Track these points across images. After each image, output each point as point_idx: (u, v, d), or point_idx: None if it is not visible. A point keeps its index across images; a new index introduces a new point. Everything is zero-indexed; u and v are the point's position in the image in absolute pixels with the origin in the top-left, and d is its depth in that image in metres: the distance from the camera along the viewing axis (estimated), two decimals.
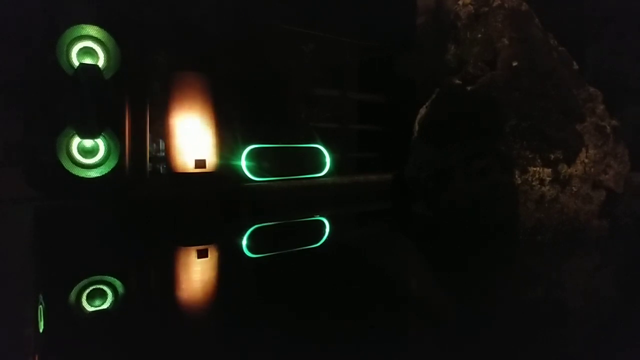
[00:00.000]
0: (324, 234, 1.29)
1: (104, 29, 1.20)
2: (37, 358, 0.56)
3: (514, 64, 1.18)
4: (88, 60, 1.18)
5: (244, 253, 1.07)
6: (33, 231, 1.18)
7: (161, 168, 1.63)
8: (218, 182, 1.48)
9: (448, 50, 1.36)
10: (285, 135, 1.84)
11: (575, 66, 1.27)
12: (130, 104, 1.25)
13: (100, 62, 1.20)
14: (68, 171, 1.15)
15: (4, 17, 1.24)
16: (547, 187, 1.10)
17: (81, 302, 0.72)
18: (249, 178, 1.60)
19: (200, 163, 1.42)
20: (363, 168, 2.32)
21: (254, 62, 1.84)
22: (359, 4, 2.13)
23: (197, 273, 0.89)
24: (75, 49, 1.17)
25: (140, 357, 0.54)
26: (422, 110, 1.48)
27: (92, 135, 1.17)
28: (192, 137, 1.41)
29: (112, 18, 1.22)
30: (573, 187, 1.12)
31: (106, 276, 0.88)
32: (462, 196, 1.21)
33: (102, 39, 1.20)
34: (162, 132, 1.48)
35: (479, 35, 1.26)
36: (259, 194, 1.57)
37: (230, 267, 0.97)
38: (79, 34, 1.17)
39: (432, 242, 1.20)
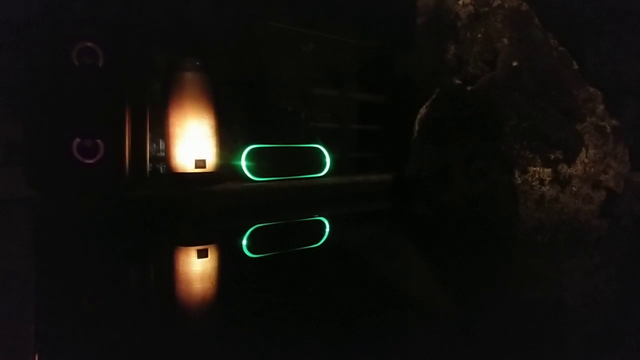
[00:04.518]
0: (324, 234, 1.29)
1: (104, 29, 1.20)
2: (37, 358, 0.56)
3: (514, 64, 1.18)
4: (88, 60, 1.18)
5: (244, 253, 1.07)
6: (33, 231, 1.18)
7: (161, 168, 1.63)
8: (218, 182, 1.49)
9: (448, 50, 1.36)
10: (285, 135, 1.84)
11: (575, 66, 1.27)
12: (130, 104, 1.25)
13: (100, 62, 1.20)
14: (68, 171, 1.15)
15: (4, 17, 1.24)
16: (547, 187, 1.10)
17: (81, 302, 0.72)
18: (249, 178, 1.60)
19: (200, 163, 1.42)
20: (363, 168, 2.32)
21: (254, 62, 1.84)
22: (359, 4, 2.13)
23: (197, 273, 0.89)
24: (75, 49, 1.17)
25: (140, 357, 0.54)
26: (422, 110, 1.48)
27: (92, 135, 1.17)
28: (192, 137, 1.41)
29: (112, 18, 1.22)
30: (573, 187, 1.12)
31: (106, 276, 0.88)
32: (462, 196, 1.21)
33: (102, 39, 1.20)
34: (162, 132, 1.48)
35: (479, 35, 1.27)
36: (259, 194, 1.57)
37: (230, 267, 0.97)
38: (79, 34, 1.17)
39: (432, 242, 1.20)
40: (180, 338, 0.58)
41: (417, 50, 2.23)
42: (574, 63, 1.27)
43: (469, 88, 1.24)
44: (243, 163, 1.60)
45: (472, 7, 1.32)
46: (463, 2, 1.35)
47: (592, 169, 1.14)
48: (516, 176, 1.11)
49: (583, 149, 1.14)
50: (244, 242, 1.17)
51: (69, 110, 1.15)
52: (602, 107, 1.22)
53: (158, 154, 1.62)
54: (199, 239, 1.20)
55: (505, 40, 1.21)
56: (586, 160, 1.14)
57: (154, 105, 1.43)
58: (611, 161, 1.18)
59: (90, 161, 1.18)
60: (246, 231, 1.28)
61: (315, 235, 1.26)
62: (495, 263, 0.99)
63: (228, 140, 1.61)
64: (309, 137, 1.89)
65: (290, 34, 2.00)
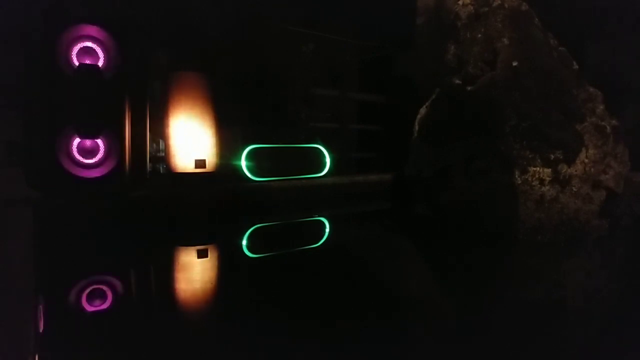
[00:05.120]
0: (324, 234, 1.29)
1: (104, 29, 1.20)
2: (37, 358, 0.56)
3: (514, 64, 1.18)
4: (88, 60, 1.18)
5: (244, 253, 1.07)
6: (33, 231, 1.18)
7: (161, 168, 1.63)
8: (218, 182, 1.48)
9: (448, 50, 1.36)
10: (285, 135, 1.84)
11: (575, 66, 1.27)
12: (130, 104, 1.25)
13: (100, 62, 1.20)
14: (68, 171, 1.15)
15: (3, 17, 1.24)
16: (547, 187, 1.10)
17: (81, 302, 0.72)
18: (249, 178, 1.60)
19: (200, 163, 1.42)
20: (363, 168, 2.32)
21: (254, 62, 1.84)
22: (359, 4, 2.13)
23: (197, 273, 0.89)
24: (75, 49, 1.17)
25: (141, 357, 0.54)
26: (422, 110, 1.48)
27: (92, 135, 1.17)
28: (192, 137, 1.41)
29: (112, 18, 1.22)
30: (573, 187, 1.12)
31: (106, 276, 0.88)
32: (462, 196, 1.21)
33: (102, 39, 1.20)
34: (162, 132, 1.47)
35: (479, 35, 1.27)
36: (259, 194, 1.57)
37: (230, 267, 0.97)
38: (79, 34, 1.17)
39: (432, 242, 1.20)
40: (180, 338, 0.58)
41: (417, 50, 2.22)
42: (574, 63, 1.27)
43: (469, 88, 1.24)
44: (243, 163, 1.60)
45: (472, 7, 1.32)
46: (463, 2, 1.35)
47: (592, 169, 1.14)
48: (516, 176, 1.11)
49: (583, 149, 1.14)
50: (244, 242, 1.17)
51: (69, 110, 1.15)
52: (602, 107, 1.22)
53: (158, 154, 1.62)
54: (198, 239, 1.20)
55: (505, 40, 1.21)
56: (586, 160, 1.14)
57: (154, 105, 1.42)
58: (611, 161, 1.18)
59: (90, 161, 1.18)
60: (246, 231, 1.28)
61: (315, 236, 1.26)
62: (495, 263, 0.99)
63: (228, 140, 1.61)
64: (309, 137, 1.89)
65: (290, 34, 2.00)
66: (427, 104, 1.46)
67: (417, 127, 1.48)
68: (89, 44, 1.18)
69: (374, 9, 2.15)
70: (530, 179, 1.10)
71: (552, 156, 1.11)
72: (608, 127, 1.19)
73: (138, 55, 1.27)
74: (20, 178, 1.14)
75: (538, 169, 1.10)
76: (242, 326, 0.62)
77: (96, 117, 1.17)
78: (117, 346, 0.57)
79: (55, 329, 0.64)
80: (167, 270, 0.95)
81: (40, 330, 0.62)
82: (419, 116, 1.49)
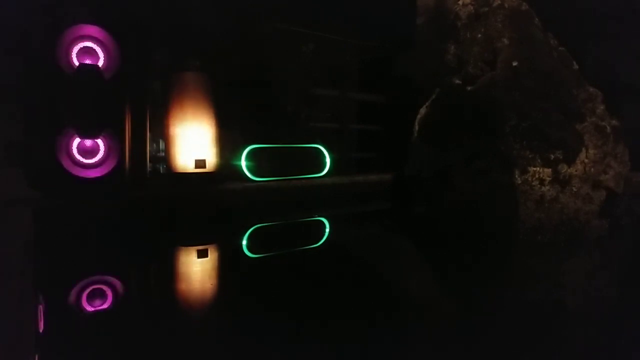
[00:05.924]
0: (324, 234, 1.29)
1: (104, 29, 1.20)
2: (37, 358, 0.56)
3: (514, 64, 1.18)
4: (88, 60, 1.18)
5: (244, 253, 1.07)
6: (33, 231, 1.18)
7: (161, 168, 1.63)
8: (218, 182, 1.48)
9: (448, 50, 1.36)
10: (285, 135, 1.84)
11: (575, 66, 1.27)
12: (130, 104, 1.25)
13: (100, 62, 1.20)
14: (68, 171, 1.15)
15: (3, 17, 1.24)
16: (547, 187, 1.10)
17: (81, 302, 0.72)
18: (249, 178, 1.60)
19: (200, 163, 1.42)
20: (363, 168, 2.31)
21: (254, 62, 1.84)
22: (359, 4, 2.13)
23: (197, 273, 0.89)
24: (75, 49, 1.17)
25: (141, 357, 0.54)
26: (422, 110, 1.48)
27: (92, 135, 1.17)
28: (192, 137, 1.41)
29: (112, 18, 1.22)
30: (573, 187, 1.12)
31: (106, 276, 0.88)
32: (462, 196, 1.21)
33: (102, 39, 1.20)
34: (162, 132, 1.47)
35: (479, 35, 1.27)
36: (258, 194, 1.57)
37: (230, 267, 0.97)
38: (79, 34, 1.17)
39: (432, 242, 1.20)
40: (180, 338, 0.58)
41: (417, 50, 2.22)
42: (574, 63, 1.27)
43: (469, 88, 1.24)
44: (243, 163, 1.60)
45: (472, 7, 1.32)
46: (463, 2, 1.35)
47: (592, 169, 1.14)
48: (516, 176, 1.11)
49: (583, 149, 1.14)
50: (244, 242, 1.17)
51: (69, 110, 1.15)
52: (602, 107, 1.22)
53: (158, 154, 1.62)
54: (199, 239, 1.20)
55: (505, 40, 1.21)
56: (586, 160, 1.14)
57: (154, 105, 1.42)
58: (611, 161, 1.18)
59: (90, 161, 1.18)
60: (246, 231, 1.28)
61: (315, 236, 1.26)
62: (495, 263, 0.99)
63: (228, 140, 1.61)
64: (309, 137, 1.89)
65: (290, 34, 2.00)
66: (427, 104, 1.46)
67: (417, 127, 1.48)
68: (89, 44, 1.18)
69: (374, 9, 2.15)
70: (530, 179, 1.10)
71: (552, 156, 1.11)
72: (608, 127, 1.20)
73: (138, 55, 1.27)
74: (20, 178, 1.14)
75: (538, 169, 1.10)
76: (242, 326, 0.62)
77: (96, 117, 1.17)
78: (117, 346, 0.57)
79: (55, 329, 0.64)
80: (167, 270, 0.95)
81: (40, 330, 0.62)
82: (419, 116, 1.49)
